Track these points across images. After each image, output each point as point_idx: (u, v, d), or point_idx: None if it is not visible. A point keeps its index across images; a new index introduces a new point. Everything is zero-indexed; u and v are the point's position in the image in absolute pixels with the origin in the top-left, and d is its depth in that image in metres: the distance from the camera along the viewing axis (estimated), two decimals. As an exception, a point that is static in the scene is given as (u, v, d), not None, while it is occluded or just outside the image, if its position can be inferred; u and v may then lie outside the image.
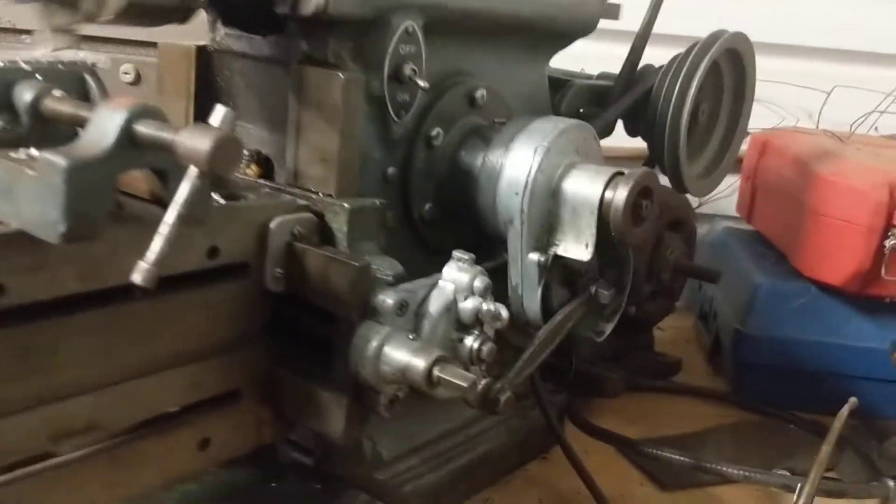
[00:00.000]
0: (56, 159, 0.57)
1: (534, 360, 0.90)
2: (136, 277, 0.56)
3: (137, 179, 0.66)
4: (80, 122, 0.64)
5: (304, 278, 0.78)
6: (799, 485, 0.99)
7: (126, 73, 1.58)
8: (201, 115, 0.95)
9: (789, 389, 1.42)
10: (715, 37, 1.21)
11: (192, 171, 0.57)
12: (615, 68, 1.25)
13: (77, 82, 0.71)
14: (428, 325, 0.78)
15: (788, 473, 1.08)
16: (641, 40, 1.25)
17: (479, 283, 0.79)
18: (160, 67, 0.98)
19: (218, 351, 0.78)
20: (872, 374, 1.38)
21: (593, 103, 1.24)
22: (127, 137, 0.60)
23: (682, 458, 1.10)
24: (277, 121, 0.91)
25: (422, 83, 0.89)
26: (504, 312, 0.79)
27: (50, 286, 0.63)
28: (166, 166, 0.64)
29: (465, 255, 0.80)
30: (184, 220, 0.57)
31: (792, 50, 1.79)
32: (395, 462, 1.01)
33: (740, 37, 1.24)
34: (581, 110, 1.23)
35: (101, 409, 0.69)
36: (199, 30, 0.98)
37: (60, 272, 0.63)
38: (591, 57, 1.33)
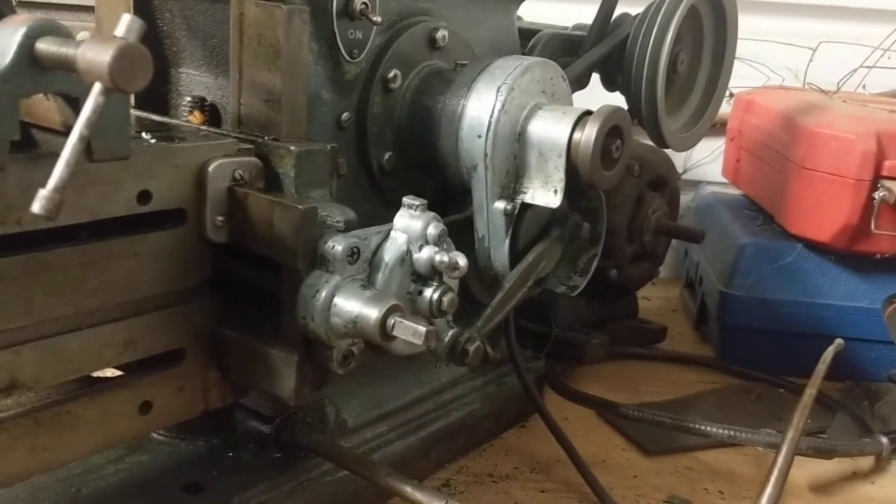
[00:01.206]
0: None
1: (503, 307, 0.84)
2: (36, 206, 0.50)
3: (50, 110, 0.60)
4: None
5: (247, 226, 0.73)
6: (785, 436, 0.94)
7: (82, 41, 1.53)
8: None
9: (776, 352, 1.36)
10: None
11: (97, 87, 0.51)
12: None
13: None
14: (382, 276, 0.72)
15: (774, 431, 1.02)
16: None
17: (432, 231, 0.74)
18: (97, 12, 0.91)
19: (155, 306, 0.71)
20: (862, 335, 1.33)
21: (567, 54, 1.18)
22: (28, 55, 0.53)
23: (663, 419, 1.04)
24: (222, 64, 0.85)
25: (374, 18, 0.83)
26: (462, 261, 0.73)
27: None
28: (78, 92, 0.57)
29: (417, 201, 0.74)
30: (85, 141, 0.51)
31: (776, 7, 1.74)
32: (361, 429, 0.96)
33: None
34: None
35: (22, 366, 0.63)
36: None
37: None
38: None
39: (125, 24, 0.51)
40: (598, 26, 1.18)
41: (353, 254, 0.71)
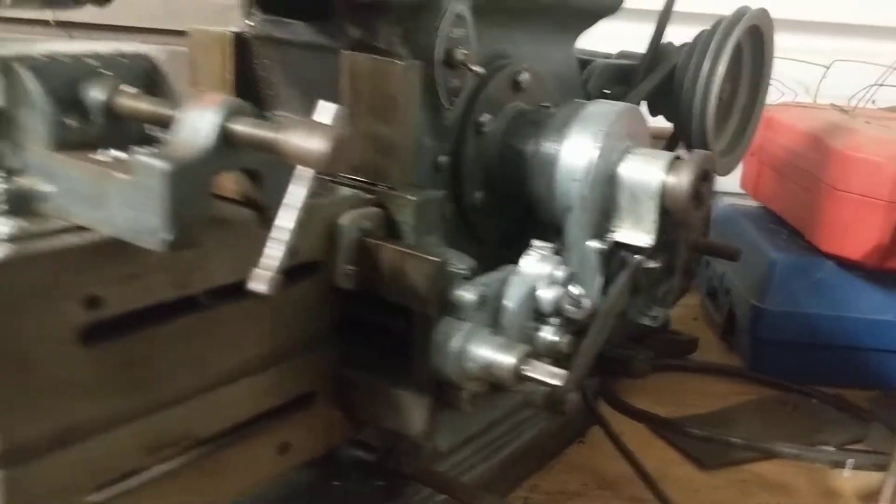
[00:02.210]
0: (156, 163, 0.54)
1: (594, 348, 0.89)
2: (259, 286, 0.54)
3: (223, 179, 0.64)
4: (162, 121, 0.61)
5: (378, 274, 0.76)
6: (850, 459, 1.00)
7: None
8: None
9: (807, 364, 1.43)
10: (740, 13, 1.21)
11: (306, 172, 0.54)
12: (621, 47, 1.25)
13: (142, 76, 0.68)
14: (507, 319, 0.77)
15: (832, 448, 1.09)
16: (664, 18, 1.24)
17: (560, 273, 0.78)
18: (191, 56, 0.94)
19: (294, 353, 0.75)
20: (891, 347, 1.40)
21: (618, 82, 1.23)
22: (223, 137, 0.57)
23: (733, 440, 1.10)
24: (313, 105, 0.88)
25: (475, 68, 0.88)
26: (587, 301, 0.78)
27: (145, 294, 0.60)
28: (259, 166, 0.61)
29: (545, 245, 0.79)
30: (302, 223, 0.55)
31: (791, 24, 1.80)
32: (450, 454, 1.00)
33: (763, 13, 1.24)
34: (605, 90, 1.22)
35: (192, 418, 0.66)
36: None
37: (154, 279, 0.61)
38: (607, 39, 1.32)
39: (331, 112, 0.55)
40: (649, 57, 1.23)
41: (483, 302, 0.75)
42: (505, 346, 0.73)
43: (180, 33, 1.02)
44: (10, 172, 0.61)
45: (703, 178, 0.88)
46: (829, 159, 1.40)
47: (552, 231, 0.94)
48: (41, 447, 0.57)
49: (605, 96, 1.21)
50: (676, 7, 1.24)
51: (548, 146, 0.91)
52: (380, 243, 0.76)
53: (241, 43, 0.92)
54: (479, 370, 0.74)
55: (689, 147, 1.23)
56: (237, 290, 0.68)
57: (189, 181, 0.55)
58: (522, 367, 0.72)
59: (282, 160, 0.55)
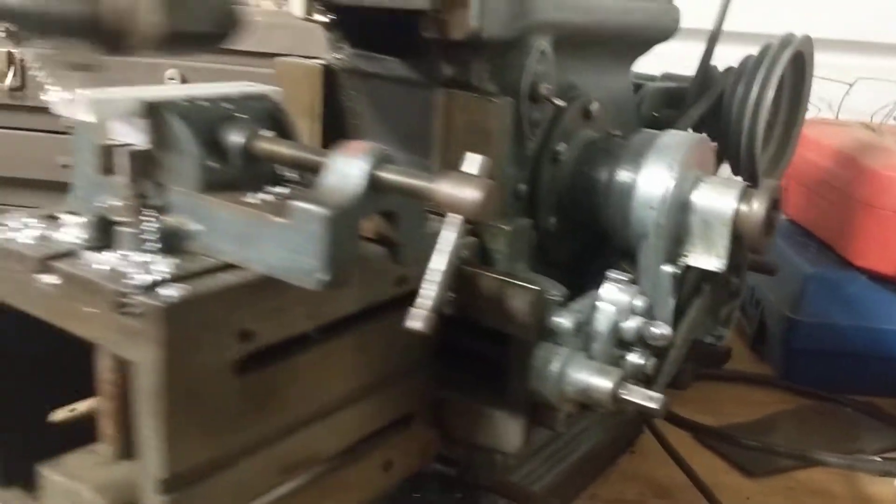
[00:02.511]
0: (316, 209, 0.59)
1: (673, 368, 0.93)
2: (417, 324, 0.58)
3: (356, 219, 0.68)
4: (302, 165, 0.65)
5: (476, 301, 0.81)
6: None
7: (171, 78, 1.57)
8: (329, 135, 0.97)
9: (839, 373, 1.49)
10: (787, 41, 1.25)
11: (456, 218, 0.59)
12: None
13: (267, 116, 0.72)
14: (598, 346, 0.81)
15: (878, 459, 1.14)
16: (712, 43, 1.29)
17: (640, 303, 0.83)
18: (281, 86, 0.98)
19: (398, 377, 0.79)
20: (919, 356, 1.46)
21: (667, 106, 1.28)
22: (372, 183, 0.61)
23: (782, 449, 1.15)
24: (412, 141, 0.93)
25: (558, 101, 0.92)
26: (667, 331, 0.82)
27: (286, 327, 0.64)
28: (395, 208, 0.65)
29: (623, 276, 0.83)
30: (454, 266, 0.59)
31: (816, 43, 1.85)
32: (520, 467, 1.05)
33: (807, 40, 1.29)
34: (655, 113, 1.27)
35: (316, 441, 0.71)
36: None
37: (293, 313, 0.65)
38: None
39: (477, 163, 0.59)
40: (698, 81, 1.27)
41: (579, 328, 0.79)
42: (602, 371, 0.78)
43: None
44: (158, 211, 0.65)
45: (774, 206, 0.92)
46: (863, 177, 1.45)
47: (619, 255, 0.99)
48: (199, 473, 0.61)
49: (655, 119, 1.26)
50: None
51: (623, 175, 0.95)
52: (478, 271, 0.81)
53: (329, 75, 0.96)
54: (576, 393, 0.78)
55: (736, 168, 1.27)
56: (358, 319, 0.72)
57: (343, 225, 0.59)
58: (620, 390, 0.77)
59: (417, 203, 0.59)
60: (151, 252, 0.62)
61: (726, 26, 1.26)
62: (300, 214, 0.59)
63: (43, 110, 1.57)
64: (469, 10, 0.81)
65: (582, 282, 0.89)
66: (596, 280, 0.90)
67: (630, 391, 0.77)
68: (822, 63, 1.82)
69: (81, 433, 0.70)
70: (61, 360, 0.69)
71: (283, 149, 0.66)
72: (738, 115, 1.22)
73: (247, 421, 0.64)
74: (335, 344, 0.71)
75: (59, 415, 0.74)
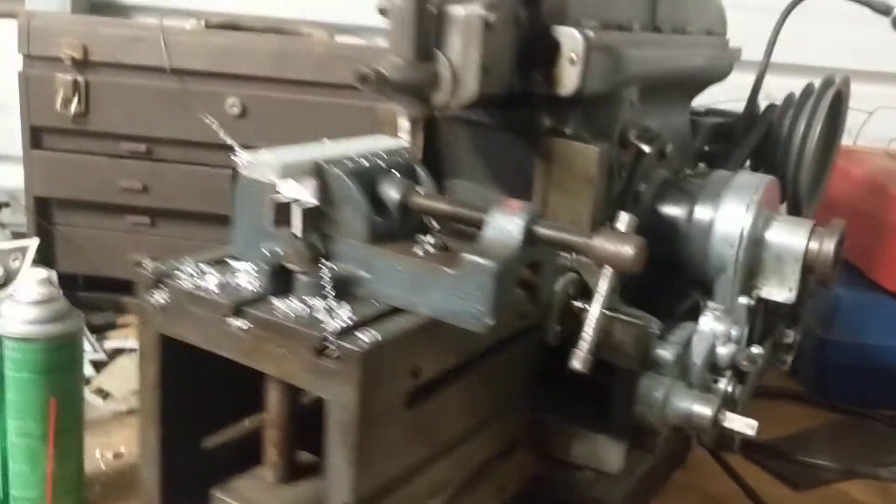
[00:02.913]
0: (484, 262, 0.66)
1: (751, 391, 1.01)
2: (578, 365, 0.66)
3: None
4: (461, 220, 0.73)
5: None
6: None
7: (233, 107, 1.64)
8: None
9: (870, 389, 1.58)
10: (829, 81, 1.35)
11: (609, 270, 0.67)
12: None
13: (407, 169, 0.79)
14: (695, 374, 0.89)
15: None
16: (759, 82, 1.38)
17: (735, 332, 0.91)
18: (377, 132, 1.05)
19: (516, 404, 0.87)
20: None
21: (717, 140, 1.37)
22: (529, 238, 0.69)
23: (828, 464, 1.24)
24: (509, 183, 1.00)
25: (644, 147, 1.00)
26: (762, 351, 0.91)
27: (441, 363, 0.72)
28: (541, 258, 0.73)
29: (719, 307, 0.91)
30: (605, 310, 0.67)
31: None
32: (595, 483, 1.12)
33: (846, 80, 1.38)
34: (707, 147, 1.35)
35: (454, 467, 0.78)
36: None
37: (448, 350, 0.72)
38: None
39: (626, 221, 0.67)
40: (746, 118, 1.36)
41: (679, 359, 0.88)
42: (702, 399, 0.86)
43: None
44: (327, 261, 0.73)
45: (841, 242, 1.01)
46: (893, 205, 1.54)
47: (687, 285, 1.07)
48: (374, 497, 0.68)
49: (707, 153, 1.35)
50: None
51: (702, 213, 1.03)
52: (586, 307, 0.88)
53: (433, 124, 1.03)
54: (679, 419, 0.86)
55: (784, 198, 1.36)
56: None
57: (505, 275, 0.67)
58: (719, 417, 0.85)
59: (555, 252, 0.67)
60: (327, 298, 0.69)
61: (752, 55, 1.35)
62: (470, 266, 0.67)
63: (104, 135, 1.64)
64: (577, 69, 0.89)
65: (652, 308, 0.96)
66: (668, 309, 0.98)
67: (730, 419, 0.85)
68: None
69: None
70: (209, 393, 0.77)
71: (440, 205, 0.74)
72: (787, 150, 1.31)
73: (410, 449, 0.71)
74: (470, 376, 0.78)
75: (212, 441, 0.81)
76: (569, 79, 0.90)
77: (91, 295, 1.73)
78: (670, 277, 1.11)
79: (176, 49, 1.61)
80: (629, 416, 0.88)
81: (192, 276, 0.74)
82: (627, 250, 0.65)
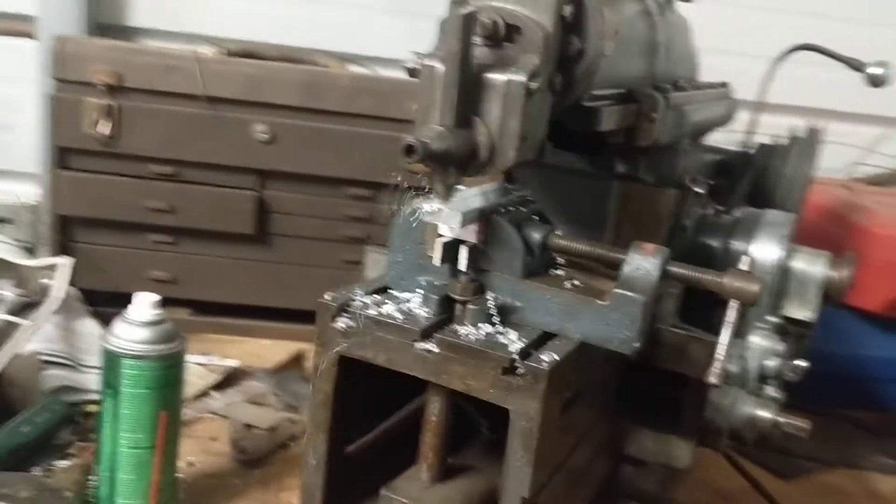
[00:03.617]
0: (634, 295, 0.81)
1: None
2: (713, 380, 0.81)
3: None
4: (598, 259, 0.87)
5: (659, 351, 1.04)
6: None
7: (262, 133, 1.73)
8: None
9: (832, 393, 1.80)
10: (816, 134, 1.55)
11: (735, 303, 0.82)
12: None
13: (538, 212, 0.93)
14: (750, 383, 1.06)
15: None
16: (754, 122, 1.57)
17: (780, 347, 1.08)
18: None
19: (607, 413, 1.02)
20: (890, 376, 1.79)
21: (717, 175, 1.55)
22: (664, 275, 0.84)
23: (830, 458, 1.44)
24: (582, 222, 1.14)
25: (699, 189, 1.16)
26: (803, 366, 1.08)
27: (582, 379, 0.86)
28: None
29: (766, 325, 1.09)
30: (734, 335, 0.82)
31: (783, 108, 2.17)
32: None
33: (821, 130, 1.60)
34: (711, 181, 1.54)
35: (579, 464, 0.92)
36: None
37: (584, 370, 0.86)
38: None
39: (748, 264, 0.83)
40: (742, 156, 1.55)
41: (741, 372, 1.04)
42: (763, 405, 1.03)
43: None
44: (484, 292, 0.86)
45: (853, 271, 1.20)
46: (852, 233, 1.77)
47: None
48: (539, 491, 0.82)
49: (711, 187, 1.53)
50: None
51: (737, 245, 1.21)
52: (662, 327, 1.04)
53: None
54: (742, 423, 1.03)
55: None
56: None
57: (649, 306, 0.82)
58: (778, 419, 1.02)
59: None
60: (496, 325, 0.83)
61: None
62: (620, 298, 0.81)
63: (133, 157, 1.71)
64: (655, 125, 1.05)
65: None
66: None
67: (787, 421, 1.02)
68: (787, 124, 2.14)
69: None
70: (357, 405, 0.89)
71: (578, 245, 0.88)
72: (785, 189, 1.50)
73: (559, 449, 0.85)
74: (589, 390, 0.92)
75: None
76: (647, 132, 1.06)
77: (113, 310, 1.78)
78: (704, 299, 1.28)
79: (206, 77, 1.69)
80: (698, 419, 1.04)
81: (369, 304, 0.85)
82: (754, 287, 0.81)
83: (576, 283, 0.86)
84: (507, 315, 0.85)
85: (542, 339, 0.83)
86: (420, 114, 0.82)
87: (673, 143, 1.13)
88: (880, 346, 1.79)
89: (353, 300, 0.86)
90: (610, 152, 1.11)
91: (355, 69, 1.92)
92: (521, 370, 0.78)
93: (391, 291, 0.90)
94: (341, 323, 0.84)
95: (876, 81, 1.58)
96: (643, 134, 1.06)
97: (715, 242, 1.24)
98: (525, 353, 0.79)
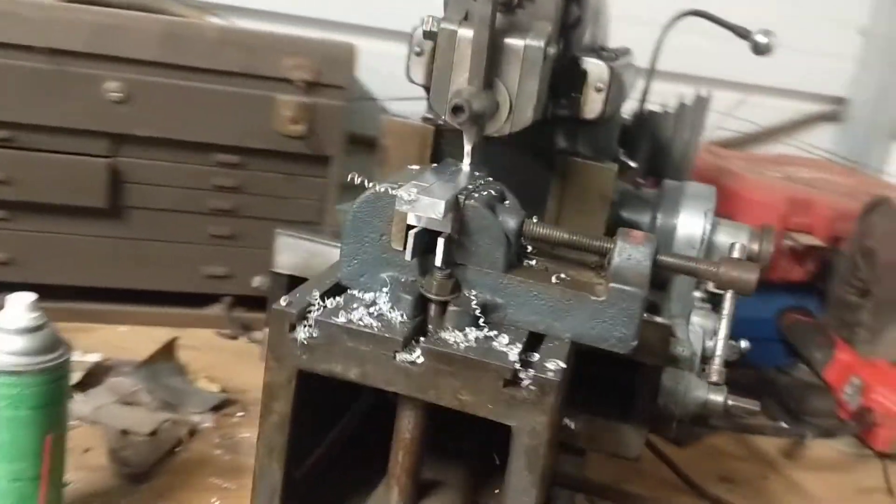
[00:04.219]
0: (632, 290, 0.74)
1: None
2: (715, 378, 0.76)
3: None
4: (580, 248, 0.80)
5: (612, 337, 0.98)
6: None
7: (115, 91, 1.51)
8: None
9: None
10: (704, 101, 1.55)
11: (731, 293, 0.77)
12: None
13: (502, 195, 0.84)
14: (694, 366, 1.03)
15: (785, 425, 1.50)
16: (647, 88, 1.55)
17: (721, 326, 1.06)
18: (385, 141, 1.06)
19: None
20: (761, 336, 1.86)
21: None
22: (655, 266, 0.77)
23: (727, 425, 1.46)
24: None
25: (632, 164, 1.11)
26: (745, 345, 1.06)
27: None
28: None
29: (705, 305, 1.06)
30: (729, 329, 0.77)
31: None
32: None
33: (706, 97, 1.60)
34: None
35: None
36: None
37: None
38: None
39: (741, 251, 0.78)
40: (637, 122, 1.53)
41: (693, 355, 1.01)
42: (714, 389, 1.00)
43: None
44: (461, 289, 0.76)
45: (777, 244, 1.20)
46: (724, 198, 1.79)
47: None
48: (532, 508, 0.74)
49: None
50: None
51: (665, 220, 1.17)
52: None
53: (438, 135, 1.06)
54: (696, 407, 1.00)
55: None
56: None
57: (646, 301, 0.75)
58: (729, 401, 0.99)
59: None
60: (483, 328, 0.73)
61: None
62: (617, 293, 0.74)
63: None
64: (602, 96, 0.98)
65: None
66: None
67: (737, 401, 0.99)
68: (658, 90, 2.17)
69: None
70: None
71: (558, 233, 0.79)
72: (678, 156, 1.49)
73: (550, 459, 0.77)
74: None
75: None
76: (595, 104, 0.99)
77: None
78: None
79: (47, 26, 1.45)
80: (650, 407, 0.99)
81: (331, 309, 0.73)
82: (751, 276, 0.76)
83: (562, 276, 0.78)
84: (487, 315, 0.76)
85: (531, 342, 0.75)
86: (437, 75, 0.87)
87: (611, 117, 1.06)
88: (754, 307, 1.85)
89: (312, 305, 0.74)
90: (552, 125, 1.03)
91: (216, 21, 1.72)
92: (526, 381, 0.69)
93: (351, 292, 0.78)
94: (301, 334, 0.72)
95: (760, 49, 1.60)
96: (590, 106, 0.99)
97: (640, 217, 1.19)
98: (525, 362, 0.70)
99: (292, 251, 1.05)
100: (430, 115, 1.08)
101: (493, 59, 0.84)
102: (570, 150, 1.04)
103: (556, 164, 1.03)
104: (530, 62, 0.85)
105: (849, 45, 2.42)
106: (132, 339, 1.59)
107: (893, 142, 2.41)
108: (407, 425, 0.77)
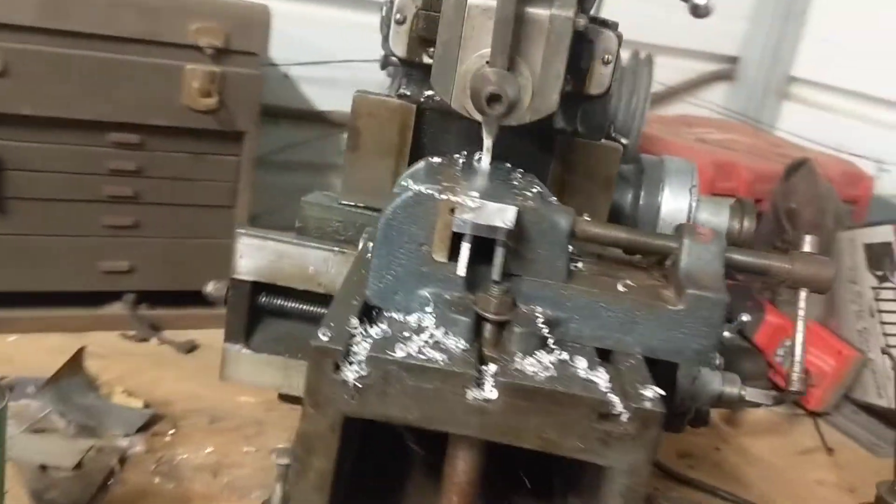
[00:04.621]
0: (713, 295, 0.65)
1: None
2: (796, 387, 0.69)
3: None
4: (638, 249, 0.70)
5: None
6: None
7: (-12, 64, 1.28)
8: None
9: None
10: (646, 60, 1.50)
11: (805, 292, 0.70)
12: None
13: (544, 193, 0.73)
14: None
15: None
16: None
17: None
18: (358, 122, 0.93)
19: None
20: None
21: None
22: (726, 265, 0.69)
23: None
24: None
25: (623, 140, 1.03)
26: (732, 337, 1.01)
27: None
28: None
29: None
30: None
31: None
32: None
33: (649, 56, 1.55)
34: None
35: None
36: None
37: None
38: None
39: (813, 244, 0.70)
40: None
41: (705, 346, 0.94)
42: (728, 380, 0.94)
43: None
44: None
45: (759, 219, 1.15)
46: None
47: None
48: None
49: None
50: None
51: (649, 198, 1.10)
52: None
53: (420, 114, 0.93)
54: (712, 399, 0.93)
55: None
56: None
57: (726, 307, 0.67)
58: (742, 392, 0.94)
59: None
60: (554, 351, 0.63)
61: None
62: (696, 301, 0.65)
63: None
64: (609, 69, 0.89)
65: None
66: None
67: (752, 393, 0.94)
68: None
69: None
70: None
71: (615, 233, 0.70)
72: (629, 117, 1.44)
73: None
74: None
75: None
76: (602, 78, 0.89)
77: None
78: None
79: None
80: (670, 404, 0.92)
81: (382, 340, 0.60)
82: (827, 273, 0.69)
83: (628, 283, 0.69)
84: (554, 332, 0.65)
85: (610, 362, 0.65)
86: (441, 52, 0.76)
87: (606, 92, 0.97)
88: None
89: (353, 336, 0.61)
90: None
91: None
92: (624, 414, 0.59)
93: (388, 314, 0.65)
94: (349, 374, 0.59)
95: (698, 12, 1.55)
96: (597, 80, 0.90)
97: (621, 197, 1.11)
98: (621, 391, 0.61)
99: (257, 253, 0.90)
100: (407, 92, 0.95)
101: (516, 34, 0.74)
102: (570, 130, 0.95)
103: (556, 145, 0.93)
104: (557, 35, 0.76)
105: (742, 5, 2.43)
106: (23, 349, 1.38)
107: (783, 100, 2.46)
108: (462, 467, 0.66)
